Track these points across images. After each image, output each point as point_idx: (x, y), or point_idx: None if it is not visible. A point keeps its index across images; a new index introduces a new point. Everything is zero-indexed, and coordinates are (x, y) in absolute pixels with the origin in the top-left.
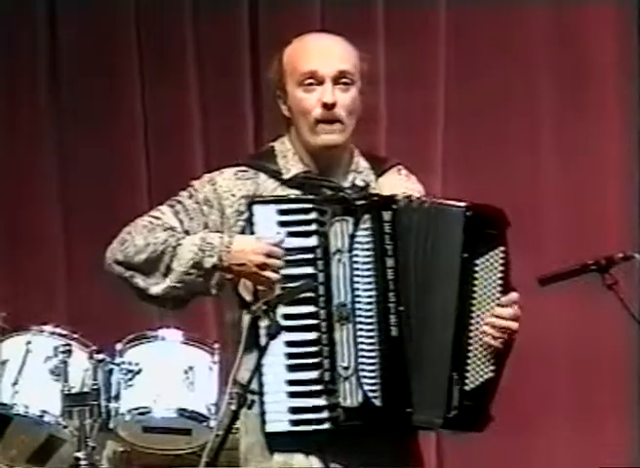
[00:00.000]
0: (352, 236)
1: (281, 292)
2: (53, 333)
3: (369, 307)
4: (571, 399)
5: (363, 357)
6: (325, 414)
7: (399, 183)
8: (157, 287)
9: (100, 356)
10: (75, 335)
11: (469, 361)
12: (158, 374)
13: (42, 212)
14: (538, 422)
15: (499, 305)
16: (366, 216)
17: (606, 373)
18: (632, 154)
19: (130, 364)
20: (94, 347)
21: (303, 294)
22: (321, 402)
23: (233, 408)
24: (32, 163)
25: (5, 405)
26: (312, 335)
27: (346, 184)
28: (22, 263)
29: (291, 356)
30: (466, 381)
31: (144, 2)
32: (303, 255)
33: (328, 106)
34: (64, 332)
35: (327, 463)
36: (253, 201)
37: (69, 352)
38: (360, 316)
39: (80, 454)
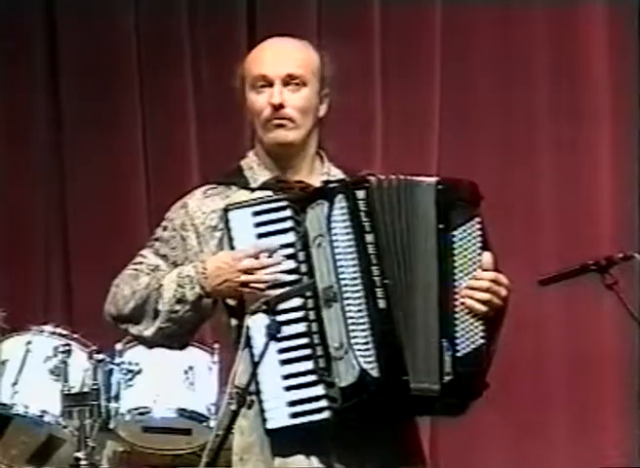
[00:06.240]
0: (328, 217)
1: (281, 292)
2: (53, 333)
3: (354, 283)
4: (570, 399)
5: (355, 331)
6: (324, 403)
7: None
8: (148, 331)
9: (100, 356)
10: (75, 335)
11: (457, 328)
12: (158, 374)
13: (41, 211)
14: (536, 422)
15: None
16: (340, 196)
17: (606, 373)
18: (631, 154)
19: (130, 364)
20: (94, 347)
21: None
22: (318, 391)
23: (233, 408)
24: (32, 164)
25: (5, 405)
26: (301, 327)
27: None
28: (23, 263)
29: (282, 351)
30: (457, 348)
31: (144, 4)
32: (283, 252)
33: (275, 107)
34: (64, 332)
35: (331, 463)
36: (227, 208)
37: (69, 352)
38: (347, 292)
39: (80, 454)
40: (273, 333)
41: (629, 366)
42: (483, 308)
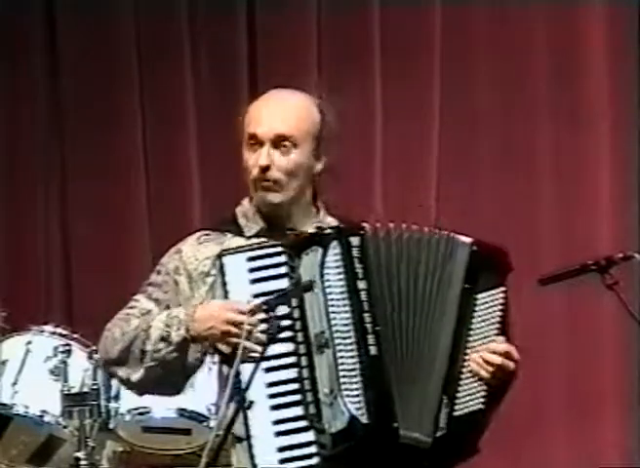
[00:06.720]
0: (322, 264)
1: (282, 292)
2: (53, 333)
3: (346, 329)
4: (571, 399)
5: (344, 377)
6: (313, 449)
7: None
8: (136, 373)
9: None
10: (75, 335)
11: (460, 388)
12: None
13: (41, 211)
14: (537, 422)
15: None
16: (334, 243)
17: (606, 374)
18: (631, 154)
19: None
20: (94, 347)
21: (280, 331)
22: (308, 437)
23: (233, 408)
24: (32, 164)
25: (5, 405)
26: (293, 373)
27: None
28: (23, 263)
29: (273, 396)
30: (455, 407)
31: (144, 4)
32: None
33: (262, 168)
34: (64, 332)
35: None
36: (221, 254)
37: (69, 352)
38: (338, 338)
39: (80, 454)
40: (273, 333)
41: (629, 366)
42: (488, 376)
